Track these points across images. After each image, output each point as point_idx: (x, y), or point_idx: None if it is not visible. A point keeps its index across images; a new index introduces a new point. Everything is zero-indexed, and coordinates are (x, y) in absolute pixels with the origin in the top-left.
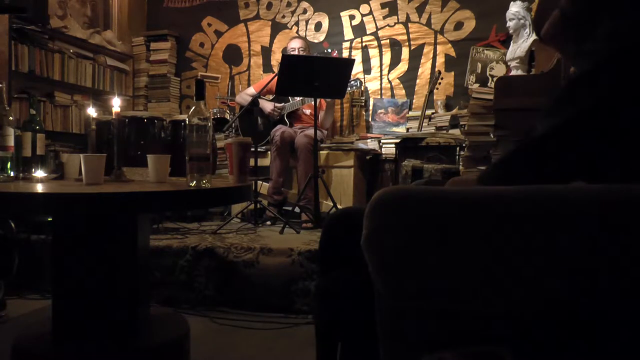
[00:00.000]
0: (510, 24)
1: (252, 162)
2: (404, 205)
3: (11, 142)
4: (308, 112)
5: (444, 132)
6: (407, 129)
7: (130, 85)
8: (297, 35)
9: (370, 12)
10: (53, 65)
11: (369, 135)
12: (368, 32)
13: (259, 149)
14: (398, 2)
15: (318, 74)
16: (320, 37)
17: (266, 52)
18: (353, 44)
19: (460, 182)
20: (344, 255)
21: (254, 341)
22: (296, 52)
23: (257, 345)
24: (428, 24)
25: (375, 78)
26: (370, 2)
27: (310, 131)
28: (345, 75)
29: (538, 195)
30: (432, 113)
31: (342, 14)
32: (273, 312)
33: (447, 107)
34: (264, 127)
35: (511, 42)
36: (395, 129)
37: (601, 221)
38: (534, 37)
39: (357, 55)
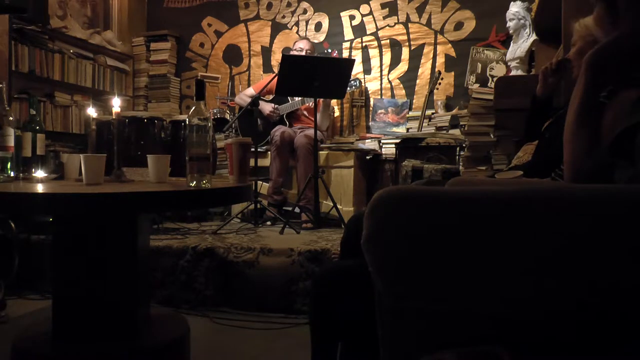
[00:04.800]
0: (510, 24)
1: (252, 162)
2: (404, 205)
3: (11, 142)
4: (307, 112)
5: (444, 132)
6: (407, 129)
7: (130, 86)
8: (302, 36)
9: (370, 12)
10: (53, 65)
11: (369, 135)
12: (368, 32)
13: (259, 149)
14: (398, 2)
15: (318, 74)
16: (321, 37)
17: (266, 52)
18: (353, 44)
19: (461, 182)
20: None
21: (254, 341)
22: (303, 53)
23: (257, 345)
24: (428, 24)
25: (375, 78)
26: (370, 2)
27: (310, 131)
28: (345, 75)
29: (537, 195)
30: (432, 113)
31: (342, 14)
32: (273, 312)
33: (447, 107)
34: (263, 128)
35: (511, 42)
36: (395, 129)
37: (600, 221)
38: (534, 37)
39: (357, 56)
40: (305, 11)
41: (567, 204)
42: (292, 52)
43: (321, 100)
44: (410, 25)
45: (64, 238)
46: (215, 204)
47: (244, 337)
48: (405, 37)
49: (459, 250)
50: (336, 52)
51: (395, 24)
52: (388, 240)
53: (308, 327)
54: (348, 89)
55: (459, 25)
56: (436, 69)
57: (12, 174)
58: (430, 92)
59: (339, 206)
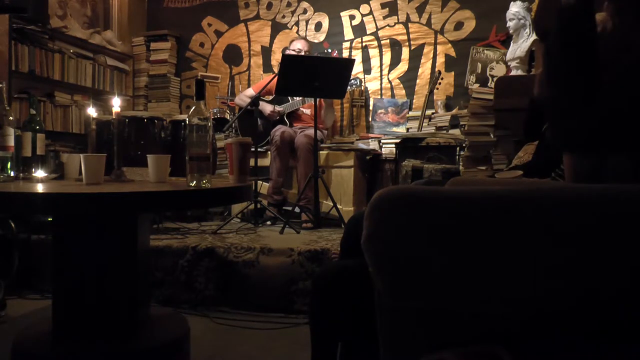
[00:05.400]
0: (510, 24)
1: (252, 162)
2: (404, 205)
3: (11, 142)
4: (308, 112)
5: (444, 132)
6: (407, 129)
7: (130, 85)
8: (300, 36)
9: (370, 12)
10: (53, 65)
11: (369, 135)
12: (368, 32)
13: (259, 149)
14: (398, 2)
15: (318, 74)
16: (320, 37)
17: (266, 52)
18: (353, 44)
19: (461, 182)
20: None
21: (254, 341)
22: (301, 53)
23: (257, 345)
24: (428, 24)
25: (375, 78)
26: (370, 2)
27: (310, 131)
28: (345, 75)
29: (537, 195)
30: (432, 113)
31: (342, 14)
32: (273, 312)
33: (447, 107)
34: (263, 128)
35: (511, 42)
36: (395, 129)
37: (598, 221)
38: (534, 37)
39: (357, 55)
40: (305, 11)
41: (567, 204)
42: (288, 52)
43: (323, 100)
44: (410, 25)
45: (64, 238)
46: (215, 204)
47: (244, 337)
48: (405, 37)
49: (458, 250)
50: (336, 52)
51: (395, 23)
52: (388, 240)
53: (308, 327)
54: (348, 87)
55: (459, 25)
56: (436, 69)
57: (12, 174)
58: (430, 92)
59: (339, 206)
